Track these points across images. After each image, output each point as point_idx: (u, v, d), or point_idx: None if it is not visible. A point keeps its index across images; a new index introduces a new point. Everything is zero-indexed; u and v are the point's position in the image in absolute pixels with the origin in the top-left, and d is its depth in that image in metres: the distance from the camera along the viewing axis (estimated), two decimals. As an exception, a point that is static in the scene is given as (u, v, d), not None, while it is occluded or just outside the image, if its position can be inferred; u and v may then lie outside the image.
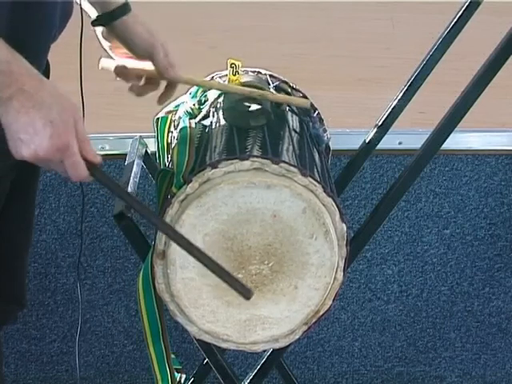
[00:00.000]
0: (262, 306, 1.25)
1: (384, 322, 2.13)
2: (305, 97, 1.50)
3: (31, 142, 1.05)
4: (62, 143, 1.06)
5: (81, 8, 1.33)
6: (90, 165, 1.09)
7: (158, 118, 1.52)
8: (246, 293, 1.11)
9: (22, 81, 1.04)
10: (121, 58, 1.41)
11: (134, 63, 1.40)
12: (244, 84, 1.39)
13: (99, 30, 1.40)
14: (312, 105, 1.49)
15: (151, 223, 1.17)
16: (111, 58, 1.42)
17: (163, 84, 1.42)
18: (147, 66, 1.39)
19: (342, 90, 2.57)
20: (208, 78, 1.50)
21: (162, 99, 1.42)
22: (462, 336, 2.15)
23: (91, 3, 1.36)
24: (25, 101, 1.04)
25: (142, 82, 1.41)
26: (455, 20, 1.51)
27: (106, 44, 1.41)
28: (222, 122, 1.34)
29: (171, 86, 1.41)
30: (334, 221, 1.23)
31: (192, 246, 1.12)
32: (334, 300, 1.28)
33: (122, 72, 1.40)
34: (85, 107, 1.34)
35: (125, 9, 1.37)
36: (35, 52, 1.19)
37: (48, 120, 1.05)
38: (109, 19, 1.36)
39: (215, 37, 2.95)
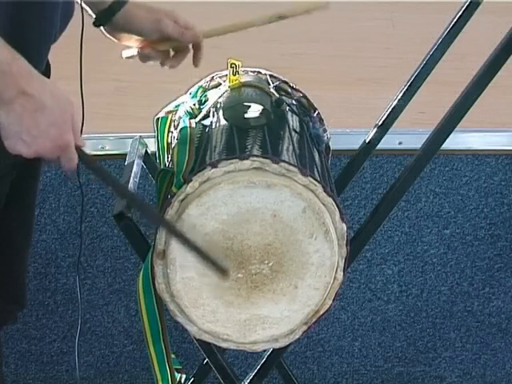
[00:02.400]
0: (262, 306, 1.25)
1: (384, 322, 2.13)
2: (305, 97, 1.50)
3: (34, 143, 1.06)
4: (63, 143, 1.08)
5: (81, 8, 1.32)
6: (78, 150, 1.12)
7: (158, 118, 1.51)
8: (222, 272, 1.16)
9: (23, 82, 1.04)
10: (138, 44, 1.40)
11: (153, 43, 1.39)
12: (244, 84, 1.39)
13: (103, 29, 1.39)
14: (312, 104, 1.49)
15: (135, 206, 1.23)
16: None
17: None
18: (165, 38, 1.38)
19: (342, 90, 2.57)
20: (208, 78, 1.50)
21: (196, 61, 1.40)
22: (462, 336, 2.15)
23: (86, 4, 1.35)
24: (27, 103, 1.05)
25: (171, 54, 1.40)
26: (455, 20, 1.51)
27: (115, 40, 1.40)
28: (222, 121, 1.34)
29: (197, 46, 1.40)
30: (334, 220, 1.23)
31: (171, 227, 1.15)
32: (333, 300, 1.28)
33: (147, 55, 1.39)
34: (85, 107, 1.34)
35: (121, 2, 1.36)
36: (36, 52, 1.18)
37: (50, 122, 1.06)
38: (108, 16, 1.36)
39: (216, 37, 2.95)
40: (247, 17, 1.36)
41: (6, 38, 1.05)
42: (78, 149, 1.12)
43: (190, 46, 1.40)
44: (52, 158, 1.11)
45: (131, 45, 1.40)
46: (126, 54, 1.42)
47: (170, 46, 1.39)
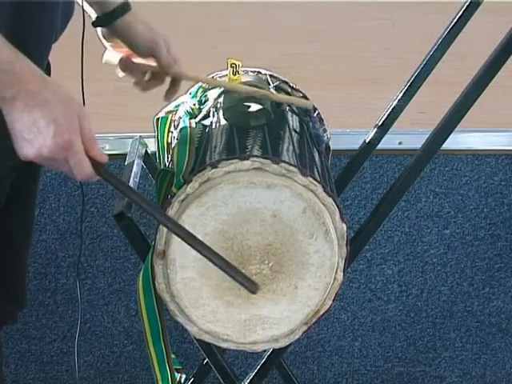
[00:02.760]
0: (262, 306, 1.25)
1: (384, 322, 2.13)
2: (305, 97, 1.50)
3: (35, 141, 1.05)
4: (65, 141, 1.05)
5: (82, 8, 1.32)
6: (96, 163, 1.09)
7: (158, 118, 1.51)
8: (251, 287, 1.11)
9: (26, 80, 1.04)
10: (124, 53, 1.41)
11: (138, 59, 1.40)
12: (245, 84, 1.39)
13: (99, 30, 1.39)
14: (313, 106, 1.49)
15: (161, 223, 1.17)
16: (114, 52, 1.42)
17: (167, 80, 1.41)
18: (152, 61, 1.39)
19: (342, 90, 2.57)
20: (210, 77, 1.50)
21: (169, 95, 1.41)
22: (462, 336, 2.15)
23: (90, 4, 1.35)
24: (28, 100, 1.04)
25: (147, 77, 1.41)
26: (455, 20, 1.51)
27: (107, 44, 1.41)
28: (222, 121, 1.34)
29: (176, 81, 1.40)
30: (334, 220, 1.23)
31: (205, 246, 1.12)
32: (333, 300, 1.28)
33: (126, 66, 1.40)
34: (85, 107, 1.34)
35: (125, 8, 1.36)
36: (36, 52, 1.18)
37: (51, 119, 1.05)
38: (109, 19, 1.36)
39: (215, 37, 2.95)
40: (231, 83, 1.37)
41: (6, 38, 1.05)
42: (94, 161, 1.08)
43: (168, 78, 1.40)
44: (61, 165, 1.07)
45: (118, 53, 1.40)
46: (107, 57, 1.42)
47: (150, 69, 1.40)
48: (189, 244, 1.13)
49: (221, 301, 1.24)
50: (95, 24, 1.37)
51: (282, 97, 1.42)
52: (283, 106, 1.40)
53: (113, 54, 1.41)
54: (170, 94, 1.41)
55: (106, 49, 1.43)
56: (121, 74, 1.42)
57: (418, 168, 1.35)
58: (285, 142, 1.30)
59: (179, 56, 1.40)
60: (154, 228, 1.24)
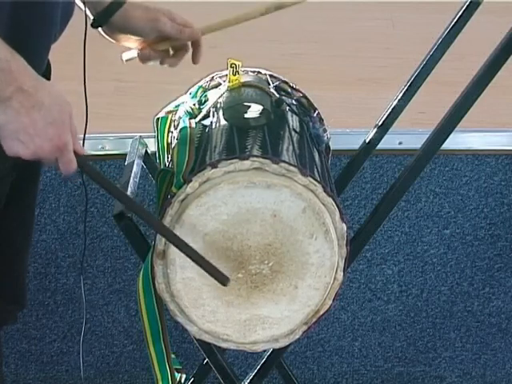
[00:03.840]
0: (262, 306, 1.25)
1: (384, 322, 2.13)
2: (305, 97, 1.50)
3: (31, 142, 1.05)
4: (61, 143, 1.07)
5: (85, 8, 1.32)
6: (78, 156, 1.11)
7: (158, 118, 1.51)
8: (223, 279, 1.16)
9: (22, 80, 1.04)
10: (137, 45, 1.40)
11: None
12: (244, 84, 1.39)
13: (101, 30, 1.39)
14: (312, 104, 1.49)
15: (132, 210, 1.22)
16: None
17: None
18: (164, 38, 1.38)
19: (342, 90, 2.57)
20: (208, 78, 1.50)
21: (196, 58, 1.40)
22: (462, 336, 2.15)
23: (84, 4, 1.35)
24: (24, 101, 1.04)
25: (171, 53, 1.40)
26: (455, 20, 1.51)
27: (114, 41, 1.40)
28: (222, 121, 1.34)
29: (196, 43, 1.39)
30: (333, 220, 1.23)
31: (167, 230, 1.16)
32: (334, 300, 1.28)
33: (147, 56, 1.39)
34: (88, 107, 1.34)
35: (119, 2, 1.35)
36: (36, 52, 1.18)
37: (48, 121, 1.05)
38: (106, 17, 1.35)
39: (215, 37, 2.95)
40: (244, 10, 1.36)
41: (6, 38, 1.05)
42: (76, 153, 1.11)
43: (189, 43, 1.40)
44: (50, 160, 1.10)
45: (130, 45, 1.40)
46: (125, 56, 1.41)
47: (169, 45, 1.39)
48: (158, 232, 1.18)
49: (221, 301, 1.24)
50: (94, 25, 1.37)
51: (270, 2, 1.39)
52: (283, 106, 1.40)
53: (129, 53, 1.41)
54: (196, 57, 1.40)
55: (107, 50, 1.42)
56: (148, 63, 1.41)
57: (418, 168, 1.35)
58: (285, 141, 1.30)
59: (187, 19, 1.39)
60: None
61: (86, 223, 1.92)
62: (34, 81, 1.06)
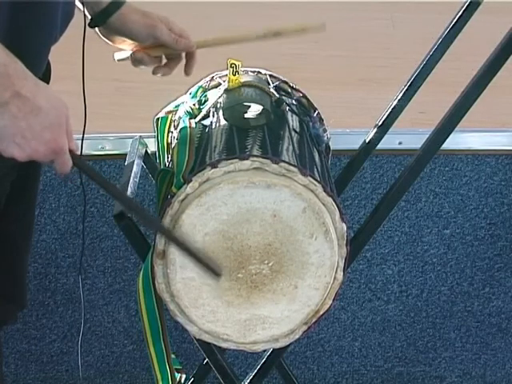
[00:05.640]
0: (262, 306, 1.25)
1: (384, 322, 2.13)
2: (305, 97, 1.50)
3: (27, 145, 1.06)
4: (58, 146, 1.08)
5: (84, 9, 1.32)
6: (73, 155, 1.12)
7: (158, 118, 1.51)
8: (218, 270, 1.16)
9: (19, 85, 1.04)
10: (131, 48, 1.40)
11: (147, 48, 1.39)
12: (244, 84, 1.39)
13: (98, 30, 1.39)
14: (312, 104, 1.49)
15: (128, 208, 1.23)
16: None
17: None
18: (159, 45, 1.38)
19: (342, 90, 2.57)
20: (208, 78, 1.50)
21: (188, 70, 1.40)
22: (462, 336, 2.15)
23: (83, 4, 1.35)
24: (22, 105, 1.04)
25: (163, 61, 1.40)
26: (455, 20, 1.51)
27: (109, 42, 1.40)
28: (222, 121, 1.34)
29: (190, 55, 1.39)
30: (333, 220, 1.23)
31: (168, 231, 1.17)
32: (333, 300, 1.28)
33: (139, 59, 1.39)
34: (88, 107, 1.34)
35: (116, 4, 1.35)
36: (36, 53, 1.18)
37: (45, 125, 1.06)
38: (103, 18, 1.35)
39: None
40: (242, 31, 1.37)
41: (6, 39, 1.05)
42: (72, 153, 1.12)
43: (183, 54, 1.40)
44: (45, 162, 1.11)
45: (125, 48, 1.40)
46: (118, 56, 1.42)
47: (163, 52, 1.39)
48: (155, 229, 1.20)
49: (221, 301, 1.24)
50: (91, 24, 1.37)
51: (291, 26, 1.40)
52: (283, 106, 1.40)
53: (122, 53, 1.41)
54: (189, 68, 1.41)
55: (106, 50, 1.42)
56: (140, 67, 1.41)
57: (418, 168, 1.35)
58: (285, 141, 1.30)
59: (185, 29, 1.39)
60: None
61: (84, 223, 1.92)
62: (31, 85, 1.06)
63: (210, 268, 1.16)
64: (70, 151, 1.11)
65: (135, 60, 1.39)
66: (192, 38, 1.39)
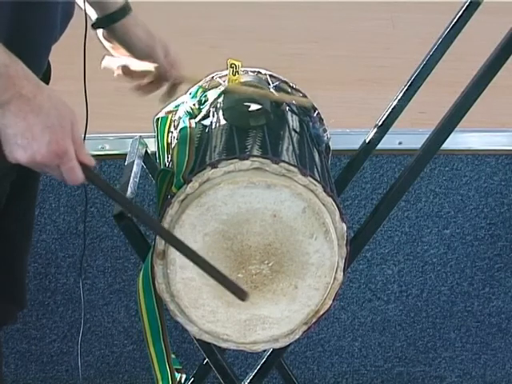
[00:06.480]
0: (262, 306, 1.25)
1: (384, 322, 2.13)
2: (305, 96, 1.50)
3: (28, 147, 1.05)
4: (60, 149, 1.06)
5: (85, 9, 1.32)
6: (84, 167, 1.10)
7: (158, 118, 1.52)
8: (241, 294, 1.13)
9: (20, 85, 1.04)
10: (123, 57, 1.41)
11: (137, 63, 1.40)
12: (244, 83, 1.39)
13: (99, 31, 1.40)
14: (312, 105, 1.49)
15: (146, 225, 1.20)
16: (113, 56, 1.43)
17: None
18: (150, 65, 1.40)
19: (342, 90, 2.58)
20: (208, 78, 1.50)
21: (164, 98, 1.42)
22: (462, 336, 2.15)
23: (90, 4, 1.35)
24: (22, 105, 1.04)
25: (146, 81, 1.41)
26: (455, 20, 1.51)
27: (107, 44, 1.41)
28: (222, 121, 1.34)
29: (173, 85, 1.41)
30: (333, 220, 1.23)
31: (187, 249, 1.14)
32: (333, 300, 1.28)
33: (125, 72, 1.40)
34: (88, 107, 1.34)
35: (125, 11, 1.36)
36: (36, 53, 1.19)
37: (46, 125, 1.05)
38: (109, 22, 1.36)
39: (215, 37, 2.95)
40: (240, 81, 1.38)
41: (6, 39, 1.05)
42: (84, 165, 1.09)
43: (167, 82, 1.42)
44: (52, 169, 1.08)
45: (115, 54, 1.41)
46: (105, 63, 1.43)
47: (150, 75, 1.41)
48: (173, 246, 1.16)
49: (221, 301, 1.24)
50: (95, 26, 1.38)
51: (283, 96, 1.42)
52: (283, 106, 1.40)
53: (112, 60, 1.42)
54: (166, 98, 1.43)
55: (106, 50, 1.43)
56: (120, 77, 1.42)
57: (418, 168, 1.35)
58: (284, 141, 1.30)
59: (178, 60, 1.40)
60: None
61: (85, 223, 1.92)
62: (32, 85, 1.06)
63: (233, 287, 1.15)
64: (81, 163, 1.08)
65: (122, 71, 1.41)
66: (181, 71, 1.41)
